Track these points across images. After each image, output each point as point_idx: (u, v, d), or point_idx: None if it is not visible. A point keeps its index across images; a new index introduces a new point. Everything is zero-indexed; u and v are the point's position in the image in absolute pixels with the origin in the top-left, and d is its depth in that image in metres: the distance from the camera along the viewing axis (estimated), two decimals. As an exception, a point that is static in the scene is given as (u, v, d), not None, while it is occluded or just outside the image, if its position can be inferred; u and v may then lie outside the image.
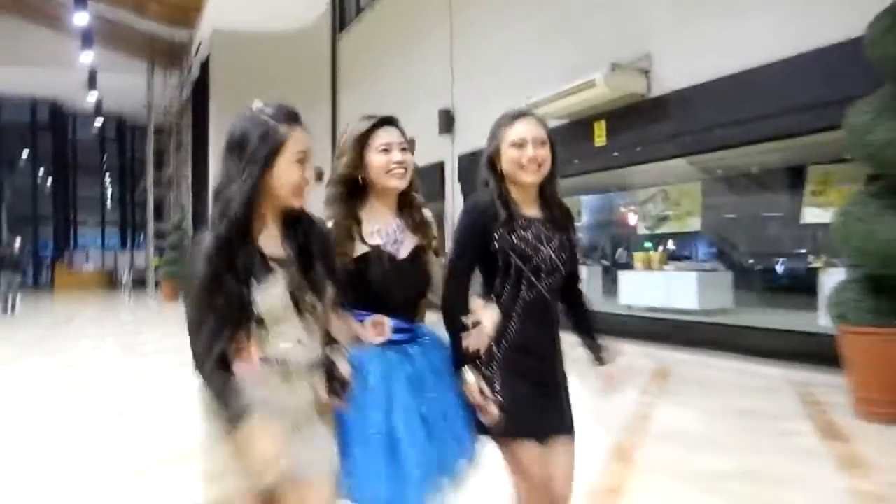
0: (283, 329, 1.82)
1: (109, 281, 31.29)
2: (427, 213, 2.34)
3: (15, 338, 12.21)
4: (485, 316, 2.16)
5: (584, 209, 11.28)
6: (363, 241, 2.18)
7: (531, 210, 2.31)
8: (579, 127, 9.27)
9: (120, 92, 25.68)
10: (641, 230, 10.51)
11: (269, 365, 1.82)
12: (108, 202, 35.47)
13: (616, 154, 8.91)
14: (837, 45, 6.13)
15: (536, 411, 2.23)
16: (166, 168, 26.27)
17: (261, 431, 1.69)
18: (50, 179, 33.19)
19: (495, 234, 2.22)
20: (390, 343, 2.15)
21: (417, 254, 2.26)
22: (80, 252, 33.94)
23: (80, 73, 22.74)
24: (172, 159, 26.07)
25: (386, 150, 2.18)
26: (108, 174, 35.24)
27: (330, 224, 2.16)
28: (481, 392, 2.11)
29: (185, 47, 23.78)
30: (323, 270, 1.91)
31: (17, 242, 17.74)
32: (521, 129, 2.26)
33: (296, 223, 1.92)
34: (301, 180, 1.84)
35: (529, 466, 2.21)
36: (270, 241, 1.87)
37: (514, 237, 2.24)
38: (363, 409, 2.04)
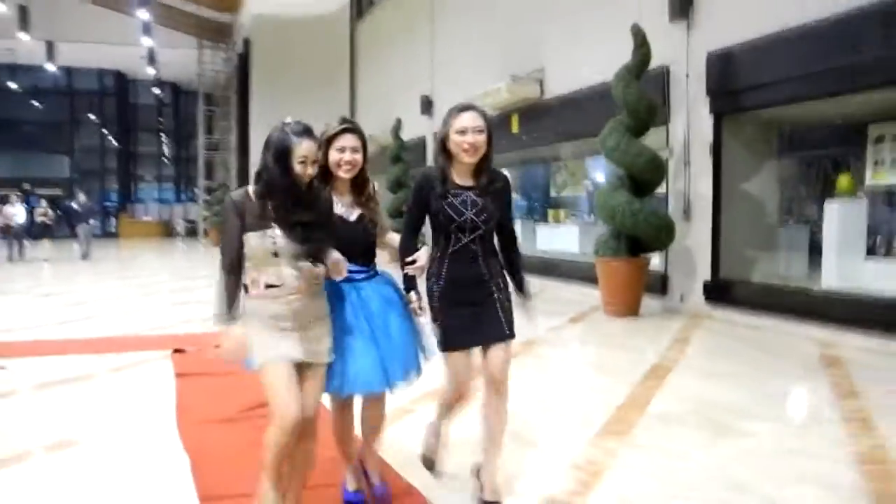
0: (278, 264, 2.61)
1: (166, 230, 35.62)
2: (373, 187, 3.06)
3: (95, 269, 16.25)
4: (420, 255, 2.91)
5: (520, 178, 14.69)
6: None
7: (466, 180, 2.95)
8: (504, 117, 12.67)
9: (175, 63, 29.65)
10: (552, 194, 13.97)
11: (272, 288, 2.62)
12: (165, 160, 39.57)
13: (524, 138, 12.33)
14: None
15: (466, 328, 2.95)
16: (215, 131, 30.07)
17: (227, 334, 2.59)
18: (114, 139, 37.34)
19: (433, 201, 2.92)
20: (347, 280, 2.83)
21: (361, 219, 2.97)
22: (140, 204, 38.39)
23: (142, 48, 26.87)
24: (220, 124, 29.89)
25: (341, 151, 2.86)
26: (164, 135, 39.30)
27: None
28: (420, 306, 2.94)
29: (230, 27, 27.40)
30: (323, 223, 2.70)
31: (82, 197, 19.62)
32: (464, 120, 2.87)
33: (317, 190, 2.72)
34: (303, 176, 2.60)
35: (455, 369, 2.97)
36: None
37: (444, 203, 2.90)
38: None
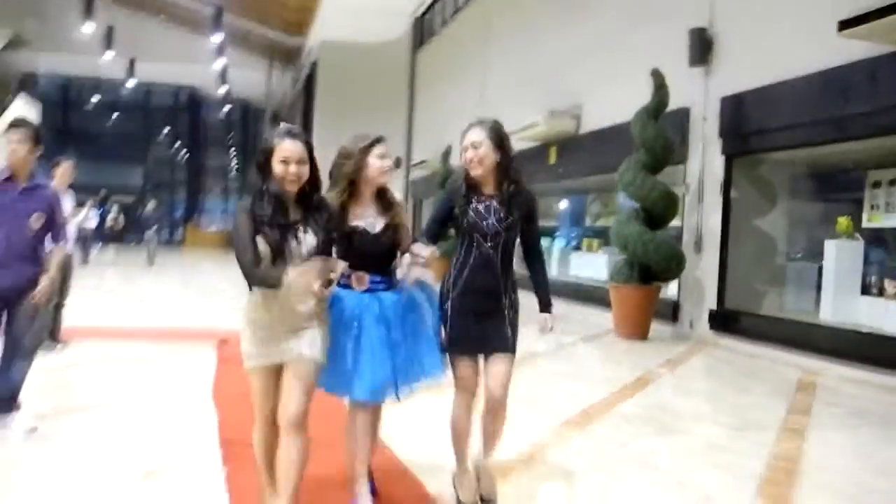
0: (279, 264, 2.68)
1: (229, 240, 37.09)
2: (396, 197, 3.21)
3: (159, 273, 17.54)
4: (426, 250, 3.03)
5: (558, 207, 15.49)
6: (351, 222, 3.06)
7: (489, 190, 3.15)
8: (542, 149, 13.48)
9: (245, 82, 31.35)
10: (588, 223, 14.67)
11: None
12: (232, 174, 41.41)
13: (561, 170, 13.10)
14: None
15: (475, 337, 3.10)
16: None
17: (298, 272, 2.59)
18: (185, 153, 39.37)
19: (457, 208, 3.14)
20: (369, 290, 3.02)
21: (386, 230, 3.10)
22: (206, 215, 40.21)
23: (215, 67, 28.62)
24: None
25: (382, 157, 3.09)
26: (231, 150, 41.19)
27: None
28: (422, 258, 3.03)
29: (299, 50, 28.93)
30: (320, 228, 2.78)
31: (150, 206, 20.83)
32: (466, 137, 3.13)
33: (308, 198, 2.79)
34: (282, 174, 2.68)
35: (461, 374, 3.14)
36: (290, 208, 2.75)
37: (469, 209, 3.11)
38: (336, 335, 2.93)
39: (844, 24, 6.58)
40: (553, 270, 14.26)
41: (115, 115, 37.28)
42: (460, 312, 3.11)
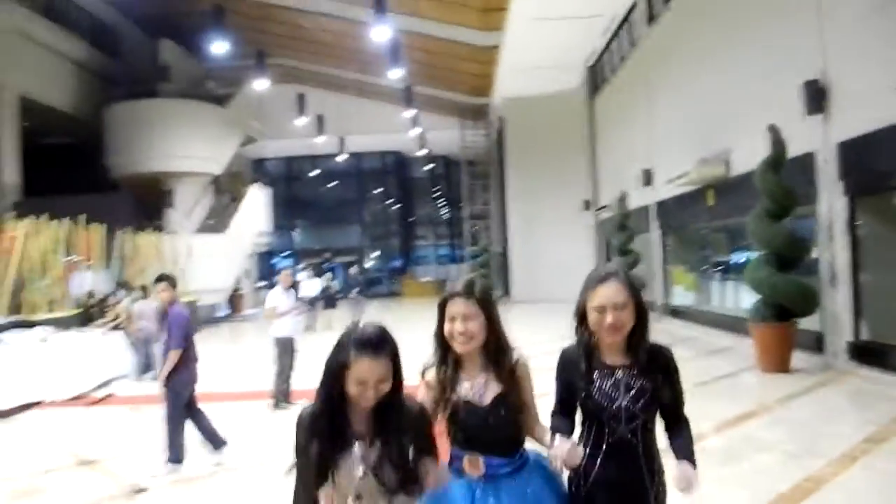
0: (356, 497, 2.24)
1: (442, 288, 40.28)
2: (518, 361, 2.67)
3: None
4: (564, 446, 2.40)
5: (716, 244, 16.39)
6: (454, 394, 2.61)
7: (617, 358, 2.60)
8: (700, 192, 14.59)
9: (442, 140, 34.59)
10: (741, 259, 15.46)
11: None
12: (439, 226, 44.92)
13: (716, 211, 14.14)
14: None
15: None
16: (477, 200, 34.41)
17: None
18: (396, 208, 43.52)
19: (575, 384, 2.60)
20: (488, 476, 2.54)
21: (500, 402, 2.58)
22: (419, 266, 43.88)
23: (413, 133, 32.25)
24: (481, 194, 34.16)
25: (451, 320, 2.60)
26: (437, 203, 44.74)
27: (428, 379, 2.67)
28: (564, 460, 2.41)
29: (486, 108, 31.60)
30: (405, 443, 2.32)
31: (353, 269, 23.12)
32: (602, 296, 2.54)
33: (387, 408, 2.30)
34: (357, 394, 2.24)
35: None
36: (360, 421, 2.32)
37: (592, 388, 2.56)
38: None
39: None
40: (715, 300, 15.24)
41: (331, 183, 42.28)
42: None
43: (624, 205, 19.22)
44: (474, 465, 2.53)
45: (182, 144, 25.07)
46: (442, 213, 44.26)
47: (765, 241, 10.08)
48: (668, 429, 2.67)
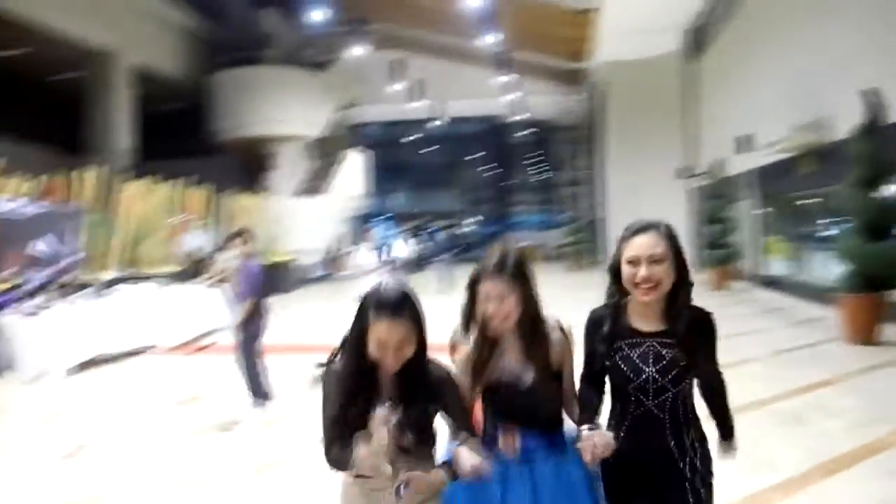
0: (378, 458, 2.13)
1: (538, 254, 40.47)
2: (559, 335, 2.49)
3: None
4: (594, 437, 2.21)
5: (812, 213, 15.83)
6: (489, 372, 2.48)
7: (651, 323, 2.34)
8: (798, 159, 14.23)
9: (539, 106, 34.47)
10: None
11: (361, 479, 2.29)
12: (535, 191, 44.86)
13: (811, 179, 13.79)
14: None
15: None
16: (574, 166, 34.22)
17: (365, 452, 2.14)
18: (494, 173, 43.74)
19: (601, 352, 2.39)
20: (524, 456, 2.42)
21: (538, 378, 2.44)
22: (515, 230, 43.89)
23: (511, 98, 32.28)
24: (577, 160, 33.96)
25: (486, 299, 2.43)
26: (533, 168, 44.62)
27: (460, 355, 2.53)
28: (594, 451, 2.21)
29: (584, 73, 31.21)
30: (429, 409, 2.31)
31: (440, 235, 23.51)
32: (636, 246, 2.28)
33: (411, 371, 2.29)
34: (379, 356, 2.23)
35: None
36: (385, 384, 2.31)
37: (617, 357, 2.33)
38: None
39: None
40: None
41: (429, 148, 42.81)
42: (620, 492, 2.42)
43: (719, 172, 18.87)
44: (509, 443, 2.42)
45: (283, 109, 26.05)
46: (538, 178, 44.19)
47: (856, 210, 9.85)
48: (703, 396, 2.52)
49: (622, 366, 2.35)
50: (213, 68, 26.21)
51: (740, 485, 4.71)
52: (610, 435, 2.26)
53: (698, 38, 24.33)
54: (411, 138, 42.39)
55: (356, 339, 2.27)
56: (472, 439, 2.34)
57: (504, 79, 29.41)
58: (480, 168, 43.35)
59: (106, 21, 21.63)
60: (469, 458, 2.21)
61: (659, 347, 2.32)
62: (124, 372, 9.70)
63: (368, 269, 9.77)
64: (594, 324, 2.46)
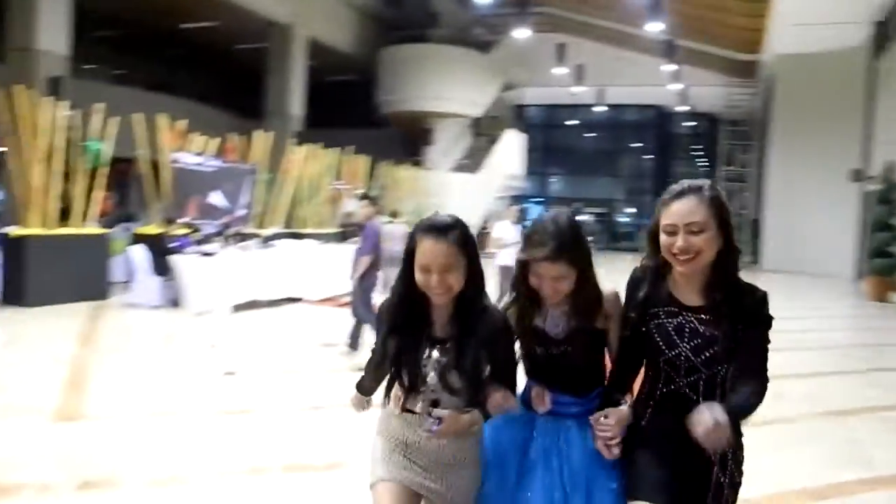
0: (424, 396, 2.20)
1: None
2: (608, 296, 2.33)
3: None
4: (616, 414, 2.17)
5: None
6: (529, 323, 2.35)
7: (692, 295, 2.16)
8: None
9: (704, 97, 33.59)
10: None
11: (409, 416, 2.25)
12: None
13: None
14: None
15: (658, 483, 2.12)
16: (736, 162, 33.17)
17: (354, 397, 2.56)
18: (654, 163, 42.99)
19: (636, 316, 2.22)
20: (554, 413, 2.32)
21: (576, 336, 2.31)
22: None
23: (675, 87, 31.73)
24: (740, 155, 32.88)
25: (539, 277, 2.29)
26: (696, 161, 43.51)
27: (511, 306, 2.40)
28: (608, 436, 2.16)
29: (755, 66, 30.13)
30: (481, 354, 2.18)
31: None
32: (674, 213, 2.09)
33: (466, 310, 2.19)
34: (423, 283, 2.13)
35: None
36: (439, 321, 2.23)
37: (652, 324, 2.17)
38: (492, 472, 2.34)
39: None
40: None
41: (588, 133, 42.70)
42: (643, 452, 2.21)
43: (891, 176, 17.94)
44: (540, 398, 2.30)
45: (446, 87, 26.94)
46: (699, 171, 43.04)
47: None
48: (734, 379, 2.12)
49: (655, 335, 2.18)
50: (382, 44, 27.50)
51: (829, 475, 4.86)
52: (623, 411, 2.21)
53: (881, 33, 22.96)
54: (571, 123, 42.46)
55: (404, 266, 2.21)
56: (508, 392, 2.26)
57: (669, 67, 28.92)
58: (640, 157, 42.75)
59: (288, -4, 23.30)
60: (501, 398, 2.17)
61: (696, 324, 2.13)
62: (278, 315, 10.91)
63: (506, 243, 10.31)
64: (632, 284, 2.30)
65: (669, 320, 2.16)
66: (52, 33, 15.84)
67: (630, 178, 42.74)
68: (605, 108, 38.14)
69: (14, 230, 10.35)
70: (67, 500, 3.94)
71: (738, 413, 1.99)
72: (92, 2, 18.24)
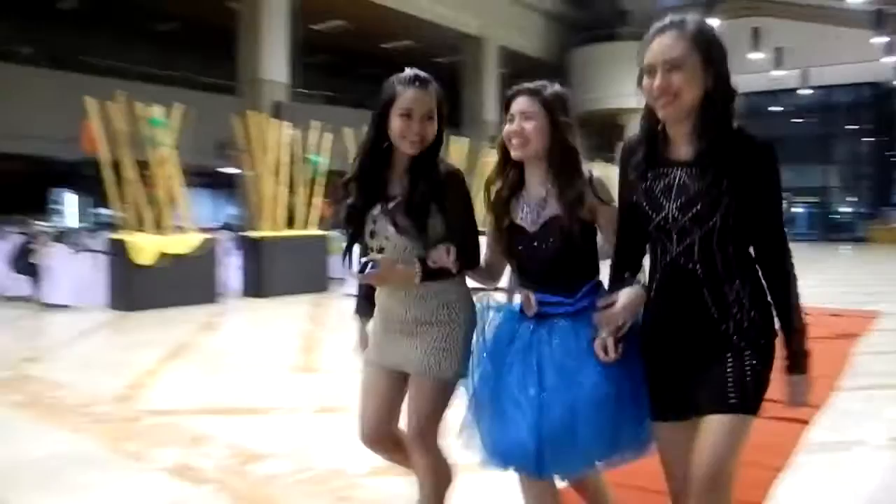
0: (375, 243, 2.38)
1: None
2: (591, 173, 2.23)
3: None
4: (620, 297, 2.03)
5: None
6: (508, 217, 2.32)
7: (684, 150, 1.95)
8: None
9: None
10: None
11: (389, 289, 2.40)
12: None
13: None
14: None
15: (677, 391, 1.96)
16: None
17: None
18: (871, 146, 40.01)
19: (629, 186, 2.02)
20: (542, 315, 2.23)
21: (551, 225, 2.19)
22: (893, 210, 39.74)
23: (891, 60, 29.81)
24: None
25: (510, 120, 2.27)
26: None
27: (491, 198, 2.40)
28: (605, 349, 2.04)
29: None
30: (429, 198, 2.29)
31: None
32: (652, 52, 1.91)
33: (420, 167, 2.28)
34: (401, 130, 2.23)
35: (659, 449, 2.07)
36: (396, 179, 2.36)
37: (642, 187, 1.96)
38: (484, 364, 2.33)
39: None
40: None
41: (793, 119, 40.73)
42: (651, 354, 2.05)
43: None
44: (527, 301, 2.24)
45: (634, 83, 27.10)
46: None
47: None
48: (763, 267, 1.95)
49: (643, 201, 1.97)
50: (571, 46, 28.31)
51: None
52: (634, 292, 2.04)
53: None
54: (774, 109, 40.65)
55: (378, 115, 2.33)
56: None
57: (881, 39, 27.14)
58: (857, 140, 40.02)
59: (477, 9, 24.76)
60: (444, 251, 2.26)
61: (686, 179, 1.92)
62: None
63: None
64: (626, 153, 2.09)
65: (658, 182, 1.97)
66: (274, 65, 18.62)
67: (846, 163, 40.14)
68: (811, 91, 36.10)
69: (252, 233, 12.34)
70: (309, 418, 5.33)
71: (804, 361, 1.91)
72: (304, 33, 20.66)
